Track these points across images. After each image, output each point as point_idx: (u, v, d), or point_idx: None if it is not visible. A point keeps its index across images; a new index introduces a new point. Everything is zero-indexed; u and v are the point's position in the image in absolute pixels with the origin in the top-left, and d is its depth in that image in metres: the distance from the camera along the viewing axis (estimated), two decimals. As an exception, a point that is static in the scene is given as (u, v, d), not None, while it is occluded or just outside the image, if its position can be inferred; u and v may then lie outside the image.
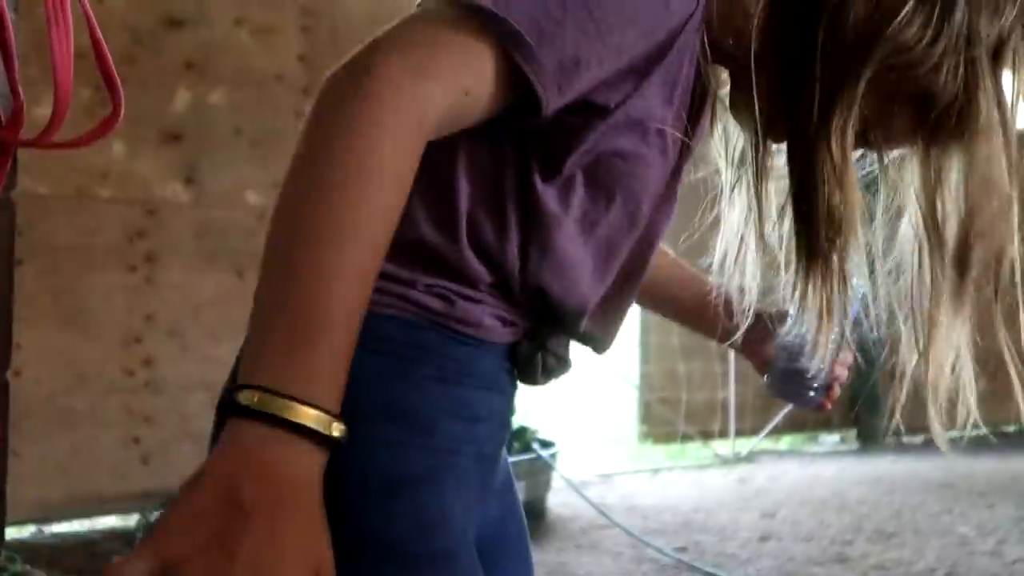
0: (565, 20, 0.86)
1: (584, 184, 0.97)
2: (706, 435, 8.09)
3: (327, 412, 0.73)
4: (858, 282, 1.08)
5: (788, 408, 8.14)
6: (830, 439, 8.92)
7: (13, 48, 1.36)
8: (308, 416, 0.71)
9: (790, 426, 8.34)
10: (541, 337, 1.06)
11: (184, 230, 5.39)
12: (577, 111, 0.92)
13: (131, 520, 4.88)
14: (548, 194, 0.95)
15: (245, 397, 0.71)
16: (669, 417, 7.98)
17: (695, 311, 1.38)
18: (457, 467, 0.96)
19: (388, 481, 0.89)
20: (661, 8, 0.92)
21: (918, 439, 8.41)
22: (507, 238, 0.95)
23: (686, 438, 8.04)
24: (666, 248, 1.32)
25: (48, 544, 4.77)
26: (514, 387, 1.10)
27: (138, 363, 5.10)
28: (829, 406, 1.30)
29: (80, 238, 5.00)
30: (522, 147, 0.95)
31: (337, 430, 0.73)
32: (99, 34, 1.24)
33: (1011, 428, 8.39)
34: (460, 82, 0.83)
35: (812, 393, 1.25)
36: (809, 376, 1.24)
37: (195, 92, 5.59)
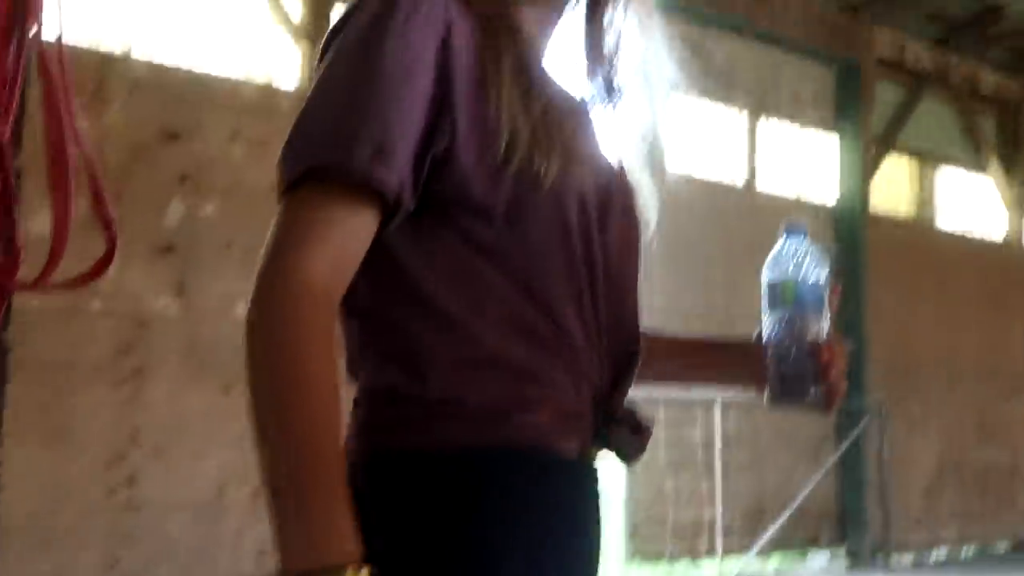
0: (353, 121, 0.98)
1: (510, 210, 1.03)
2: (694, 553, 7.96)
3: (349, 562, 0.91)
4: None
5: (776, 524, 8.04)
6: (819, 558, 8.78)
7: (14, 197, 1.37)
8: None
9: (778, 544, 8.22)
10: (607, 407, 1.08)
11: (173, 344, 5.35)
12: (436, 172, 1.01)
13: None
14: (503, 241, 1.03)
15: None
16: (656, 535, 7.86)
17: (694, 365, 1.38)
18: None
19: None
20: (409, 47, 1.00)
21: (907, 557, 8.29)
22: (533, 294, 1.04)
23: (673, 557, 7.90)
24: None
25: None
26: (599, 519, 1.10)
27: (121, 481, 5.00)
28: (832, 408, 1.27)
29: (69, 353, 4.96)
30: (460, 231, 1.03)
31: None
32: (100, 183, 1.25)
33: (1001, 546, 8.30)
34: (334, 244, 0.97)
35: (812, 390, 1.24)
36: (805, 376, 1.24)
37: (188, 205, 5.63)
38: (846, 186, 9.54)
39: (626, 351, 1.12)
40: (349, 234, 0.98)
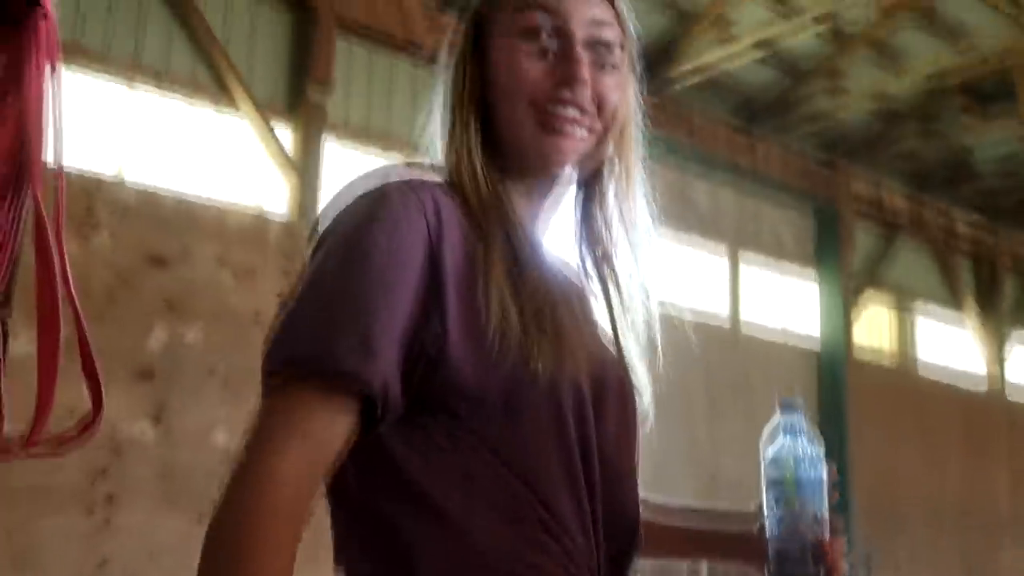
0: (338, 318, 0.97)
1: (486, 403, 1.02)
2: None
3: None
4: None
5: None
6: None
7: (1, 377, 1.36)
8: None
9: None
10: None
11: (148, 471, 5.22)
12: (429, 368, 0.99)
13: None
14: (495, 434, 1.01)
15: None
16: None
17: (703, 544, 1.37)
18: None
19: None
20: (399, 244, 1.00)
21: None
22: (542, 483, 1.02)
23: None
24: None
25: None
26: None
27: (85, 614, 4.80)
28: None
29: (42, 478, 4.82)
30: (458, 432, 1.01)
31: None
32: (90, 347, 1.24)
33: None
34: (313, 442, 0.95)
35: None
36: (807, 572, 1.21)
37: (171, 330, 5.59)
38: (828, 327, 9.62)
39: (625, 541, 1.11)
40: (328, 432, 0.97)
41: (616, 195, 1.22)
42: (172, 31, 6.25)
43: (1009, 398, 11.03)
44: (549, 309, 1.06)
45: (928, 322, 10.91)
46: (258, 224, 6.19)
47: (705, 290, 8.97)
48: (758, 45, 7.83)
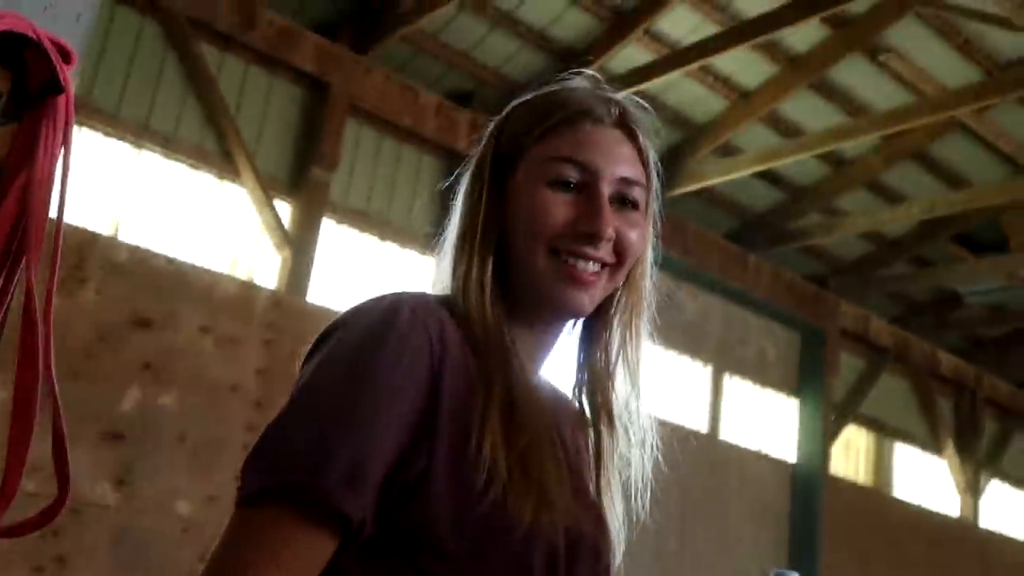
0: (330, 441, 0.95)
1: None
2: None
3: None
4: None
5: None
6: None
7: None
8: None
9: None
10: None
11: (104, 535, 5.09)
12: (404, 497, 0.97)
13: None
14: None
15: None
16: None
17: None
18: None
19: None
20: (398, 368, 0.99)
21: None
22: None
23: None
24: None
25: None
26: None
27: None
28: None
29: (-8, 530, 4.71)
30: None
31: None
32: (63, 431, 1.22)
33: None
34: (288, 568, 0.93)
35: None
36: None
37: (146, 393, 5.53)
38: (806, 447, 9.57)
39: None
40: (306, 559, 0.95)
41: (621, 333, 1.22)
42: (185, 98, 6.34)
43: (981, 534, 10.93)
44: (538, 461, 1.04)
45: (905, 455, 10.87)
46: (246, 294, 6.18)
47: (687, 400, 8.94)
48: (759, 164, 7.96)
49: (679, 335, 8.84)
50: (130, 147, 6.20)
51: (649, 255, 1.24)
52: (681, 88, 7.82)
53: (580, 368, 1.24)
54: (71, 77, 1.11)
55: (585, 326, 1.24)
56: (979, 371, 11.36)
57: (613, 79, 5.81)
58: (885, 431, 10.67)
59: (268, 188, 6.50)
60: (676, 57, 7.13)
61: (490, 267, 1.14)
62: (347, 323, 1.05)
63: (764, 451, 9.37)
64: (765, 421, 9.57)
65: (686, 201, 8.63)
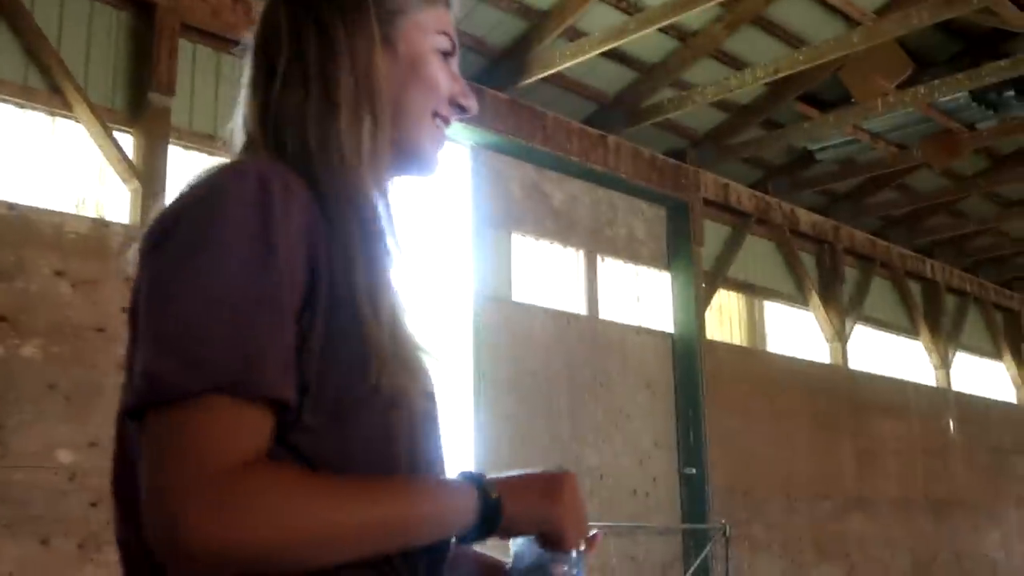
0: (253, 327, 0.94)
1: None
2: None
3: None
4: None
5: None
6: None
7: None
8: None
9: None
10: None
11: (-18, 495, 4.95)
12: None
13: None
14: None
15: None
16: None
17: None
18: None
19: None
20: (289, 241, 0.98)
21: None
22: None
23: None
24: None
25: None
26: None
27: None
28: None
29: None
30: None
31: None
32: None
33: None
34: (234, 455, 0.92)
35: None
36: None
37: (7, 346, 5.32)
38: (681, 317, 9.90)
39: (440, 553, 1.11)
40: (260, 439, 0.95)
41: None
42: (0, 35, 5.95)
43: (851, 377, 11.59)
44: (402, 326, 1.05)
45: (775, 312, 11.37)
46: (99, 233, 5.95)
47: (563, 285, 9.10)
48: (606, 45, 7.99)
49: (550, 224, 8.94)
50: (-53, 92, 5.82)
51: None
52: (521, -26, 7.74)
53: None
54: None
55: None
56: (836, 224, 11.87)
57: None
58: (754, 291, 11.11)
59: (105, 120, 6.20)
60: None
61: (387, 128, 1.13)
62: (210, 201, 1.00)
63: (643, 325, 9.66)
64: (641, 297, 9.83)
65: (541, 90, 8.63)
